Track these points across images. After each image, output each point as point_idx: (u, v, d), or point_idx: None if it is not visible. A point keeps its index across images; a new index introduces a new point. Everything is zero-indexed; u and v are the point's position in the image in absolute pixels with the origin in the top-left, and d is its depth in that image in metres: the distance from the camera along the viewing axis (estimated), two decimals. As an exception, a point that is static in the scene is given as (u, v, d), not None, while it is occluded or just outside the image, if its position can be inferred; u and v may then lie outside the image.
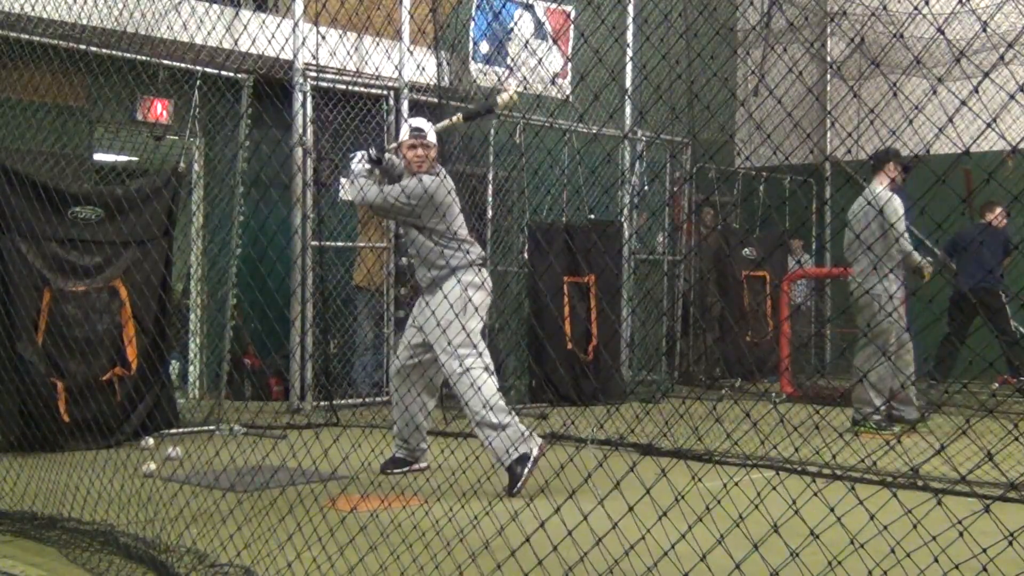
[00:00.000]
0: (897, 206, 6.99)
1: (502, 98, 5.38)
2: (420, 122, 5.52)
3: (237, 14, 8.05)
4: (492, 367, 5.27)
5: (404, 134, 5.50)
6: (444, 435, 6.55)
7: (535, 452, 5.09)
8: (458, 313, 5.09)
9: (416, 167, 5.41)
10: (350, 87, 8.63)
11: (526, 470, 5.03)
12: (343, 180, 9.09)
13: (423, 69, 8.91)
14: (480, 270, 5.42)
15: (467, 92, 9.48)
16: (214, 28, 7.08)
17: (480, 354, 5.22)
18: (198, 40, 6.97)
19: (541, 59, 9.82)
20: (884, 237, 6.97)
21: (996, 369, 9.51)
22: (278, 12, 8.86)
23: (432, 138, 5.45)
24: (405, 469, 5.62)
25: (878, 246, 7.05)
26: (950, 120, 2.74)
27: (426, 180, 5.31)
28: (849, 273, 7.91)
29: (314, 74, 8.37)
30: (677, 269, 11.15)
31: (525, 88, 9.70)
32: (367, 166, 5.48)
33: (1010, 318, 9.21)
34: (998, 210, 9.26)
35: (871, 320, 7.07)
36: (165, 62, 7.33)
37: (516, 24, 9.86)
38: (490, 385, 5.15)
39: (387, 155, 5.62)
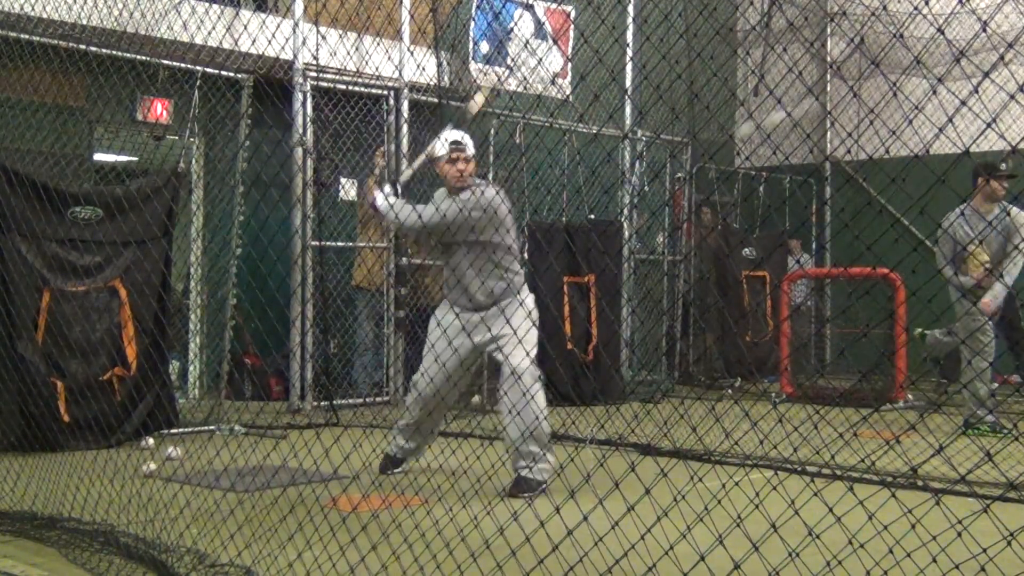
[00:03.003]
0: (951, 227, 6.98)
1: (473, 103, 5.32)
2: (457, 135, 5.25)
3: (237, 14, 8.05)
4: None
5: (441, 148, 5.21)
6: (444, 435, 6.55)
7: (543, 488, 5.08)
8: (528, 331, 5.09)
9: (456, 183, 5.19)
10: (350, 87, 8.63)
11: (534, 492, 5.00)
12: (343, 180, 9.09)
13: (423, 69, 8.92)
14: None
15: (467, 92, 9.48)
16: (214, 28, 7.07)
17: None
18: (198, 40, 6.96)
19: (541, 59, 9.81)
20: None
21: (996, 369, 9.50)
22: (278, 12, 8.86)
23: (471, 151, 5.25)
24: (401, 468, 5.58)
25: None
26: (950, 120, 2.74)
27: (489, 193, 5.15)
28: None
29: (314, 74, 8.38)
30: (677, 269, 11.15)
31: (525, 88, 9.70)
32: (391, 200, 5.30)
33: (1018, 315, 9.17)
34: None
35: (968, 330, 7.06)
36: (165, 62, 7.33)
37: (516, 24, 9.86)
38: (544, 413, 5.12)
39: (401, 177, 5.49)
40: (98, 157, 8.52)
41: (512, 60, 9.81)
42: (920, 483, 4.89)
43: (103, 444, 6.21)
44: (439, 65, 9.07)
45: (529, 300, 5.28)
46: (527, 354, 5.08)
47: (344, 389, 8.71)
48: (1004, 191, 7.14)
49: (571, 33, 10.29)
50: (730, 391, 9.69)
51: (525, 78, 9.73)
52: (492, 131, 9.27)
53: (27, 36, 6.71)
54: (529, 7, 9.98)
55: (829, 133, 12.55)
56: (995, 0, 7.60)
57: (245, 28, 7.54)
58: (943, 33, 3.00)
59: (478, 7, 9.67)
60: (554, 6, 10.09)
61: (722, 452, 5.71)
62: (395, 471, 5.55)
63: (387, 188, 5.35)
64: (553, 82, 10.00)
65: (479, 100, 5.39)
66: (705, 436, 5.23)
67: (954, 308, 7.14)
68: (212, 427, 7.10)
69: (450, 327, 5.23)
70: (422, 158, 5.43)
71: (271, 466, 5.41)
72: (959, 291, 7.05)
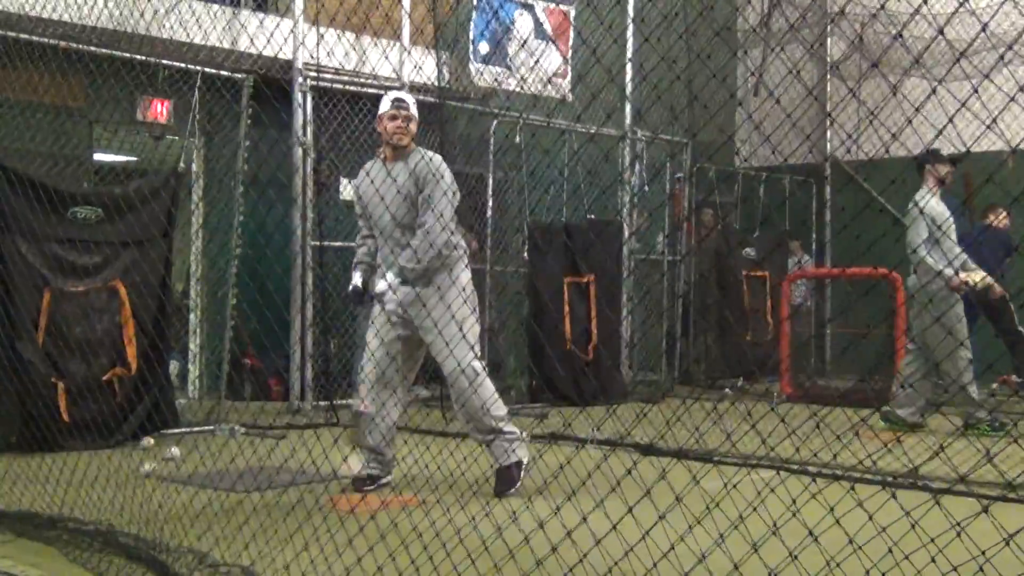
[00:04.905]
0: (931, 213, 6.91)
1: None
2: (402, 94, 5.29)
3: (235, 14, 8.05)
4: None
5: (384, 105, 5.18)
6: (444, 435, 6.54)
7: (527, 459, 5.08)
8: (468, 307, 4.95)
9: (396, 140, 5.10)
10: (349, 87, 8.63)
11: (522, 474, 5.01)
12: (342, 180, 9.08)
13: (421, 69, 8.92)
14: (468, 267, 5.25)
15: (467, 92, 9.49)
16: (214, 28, 7.08)
17: (480, 355, 5.11)
18: (198, 40, 6.97)
19: (538, 60, 9.80)
20: (934, 243, 6.91)
21: (996, 370, 9.50)
22: (278, 12, 8.86)
23: (414, 111, 5.20)
24: (377, 485, 5.22)
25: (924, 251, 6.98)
26: (950, 120, 2.74)
27: (438, 157, 5.12)
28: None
29: (313, 74, 8.37)
30: (677, 269, 11.14)
31: (524, 88, 9.70)
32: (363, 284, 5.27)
33: (1014, 317, 9.19)
34: (1001, 212, 9.24)
35: (932, 323, 7.02)
36: (165, 62, 7.33)
37: (515, 24, 9.86)
38: (490, 385, 5.04)
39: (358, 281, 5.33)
40: (98, 157, 8.52)
41: (511, 60, 9.80)
42: (919, 484, 4.89)
43: (103, 444, 6.20)
44: (438, 65, 9.06)
45: (467, 271, 5.14)
46: (467, 346, 4.91)
47: (343, 389, 8.70)
48: (952, 177, 7.16)
49: (570, 32, 10.28)
50: (730, 391, 9.69)
51: (524, 78, 9.73)
52: (491, 131, 9.27)
53: (27, 36, 6.71)
54: (528, 7, 9.98)
55: (829, 133, 12.55)
56: (994, 0, 7.59)
57: (243, 28, 7.55)
58: (942, 34, 3.00)
59: (477, 7, 9.67)
60: (553, 5, 10.09)
61: (722, 453, 5.70)
62: (369, 488, 5.15)
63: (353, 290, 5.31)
64: (551, 82, 9.99)
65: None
66: (705, 437, 5.23)
67: (923, 311, 7.06)
68: (211, 427, 7.10)
69: (381, 303, 5.16)
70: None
71: (270, 466, 5.40)
72: (935, 280, 6.94)
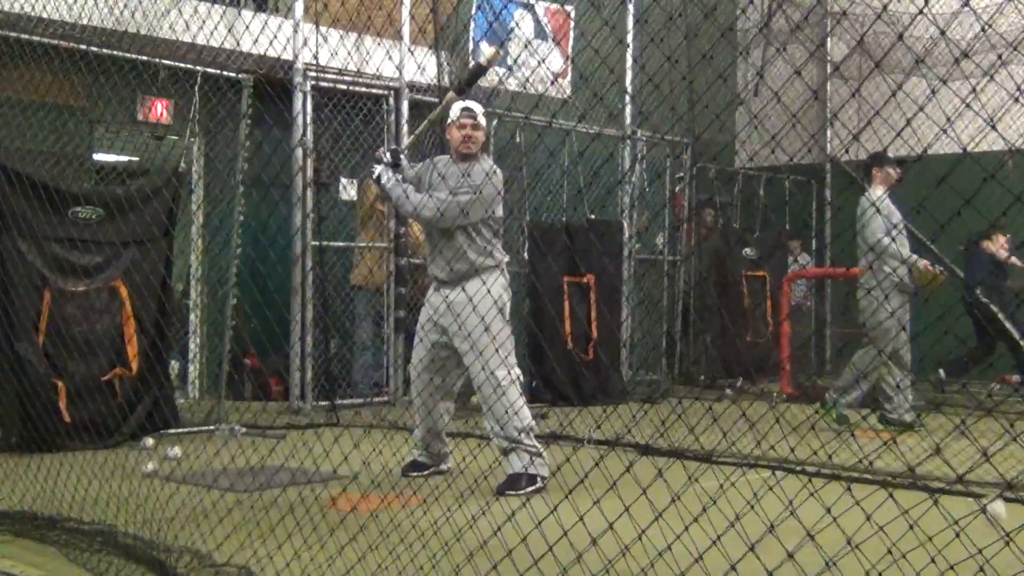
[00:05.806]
0: (885, 211, 7.03)
1: (486, 54, 5.23)
2: (471, 103, 5.33)
3: (239, 14, 8.05)
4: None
5: (454, 113, 5.26)
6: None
7: (541, 483, 5.06)
8: (500, 316, 5.00)
9: (464, 149, 5.22)
10: (351, 87, 8.64)
11: (528, 489, 4.99)
12: (343, 180, 9.09)
13: (423, 69, 8.92)
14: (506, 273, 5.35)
15: (468, 92, 9.46)
16: (214, 28, 7.07)
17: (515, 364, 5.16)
18: (198, 40, 6.97)
19: (541, 61, 9.80)
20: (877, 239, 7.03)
21: (995, 368, 9.50)
22: (278, 12, 8.87)
23: (482, 120, 5.30)
24: (426, 472, 5.52)
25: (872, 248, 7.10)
26: (950, 121, 2.74)
27: (487, 164, 5.22)
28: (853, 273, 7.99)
29: (314, 74, 8.38)
30: (676, 269, 11.14)
31: (525, 88, 9.70)
32: (390, 174, 5.19)
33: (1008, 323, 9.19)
34: (1001, 239, 9.24)
35: (869, 319, 7.13)
36: (165, 62, 7.33)
37: (517, 24, 9.85)
38: (517, 395, 5.10)
39: (403, 144, 5.46)
40: (98, 157, 8.52)
41: (513, 60, 9.80)
42: (918, 483, 4.89)
43: (103, 444, 6.21)
44: (439, 65, 9.06)
45: (504, 279, 5.23)
46: (501, 359, 4.98)
47: (344, 389, 8.71)
48: (899, 177, 7.31)
49: (571, 32, 10.28)
50: (729, 391, 9.69)
51: (526, 78, 9.72)
52: (492, 131, 9.27)
53: (27, 36, 6.71)
54: (530, 7, 9.98)
55: (829, 133, 12.54)
56: (995, 0, 7.59)
57: (247, 28, 7.55)
58: (944, 34, 3.00)
59: (478, 7, 9.67)
60: (555, 6, 10.09)
61: (720, 452, 5.70)
62: (415, 474, 5.47)
63: (389, 173, 5.21)
64: (554, 82, 9.99)
65: (489, 52, 5.24)
66: (703, 436, 5.24)
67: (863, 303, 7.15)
68: (212, 427, 7.10)
69: (425, 309, 5.35)
70: (425, 124, 5.40)
71: (271, 466, 5.41)
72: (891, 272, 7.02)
